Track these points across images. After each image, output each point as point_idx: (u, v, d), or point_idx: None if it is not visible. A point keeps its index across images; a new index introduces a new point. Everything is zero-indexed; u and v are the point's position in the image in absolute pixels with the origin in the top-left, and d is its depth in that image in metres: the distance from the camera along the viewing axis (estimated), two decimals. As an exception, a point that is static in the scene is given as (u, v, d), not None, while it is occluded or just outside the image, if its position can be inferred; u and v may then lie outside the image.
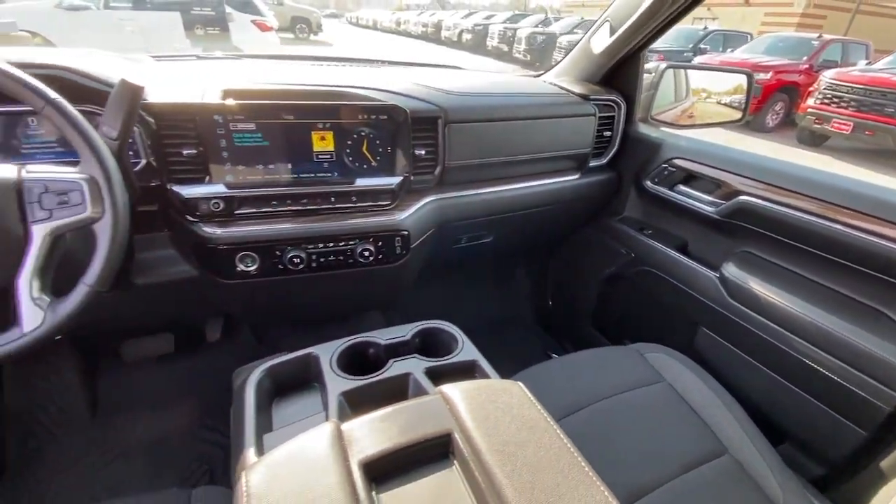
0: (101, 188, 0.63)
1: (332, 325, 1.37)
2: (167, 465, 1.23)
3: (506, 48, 14.64)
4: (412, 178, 1.05)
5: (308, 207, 0.98)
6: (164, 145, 0.87)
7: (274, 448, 0.54)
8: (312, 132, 0.94)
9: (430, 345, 0.84)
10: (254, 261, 0.96)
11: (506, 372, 0.78)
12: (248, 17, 6.97)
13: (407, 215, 1.06)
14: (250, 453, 0.59)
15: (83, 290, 0.63)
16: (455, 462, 0.55)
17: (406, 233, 1.05)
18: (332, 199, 1.00)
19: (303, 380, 0.77)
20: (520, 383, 0.64)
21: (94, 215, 0.63)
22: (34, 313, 0.61)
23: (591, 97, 1.27)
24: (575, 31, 13.17)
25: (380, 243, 1.04)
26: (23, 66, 0.64)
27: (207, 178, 0.91)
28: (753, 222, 1.08)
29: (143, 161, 0.94)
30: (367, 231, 1.02)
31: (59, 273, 0.65)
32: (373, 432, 0.55)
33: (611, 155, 1.38)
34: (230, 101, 0.88)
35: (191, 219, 0.93)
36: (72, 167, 0.64)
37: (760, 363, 1.08)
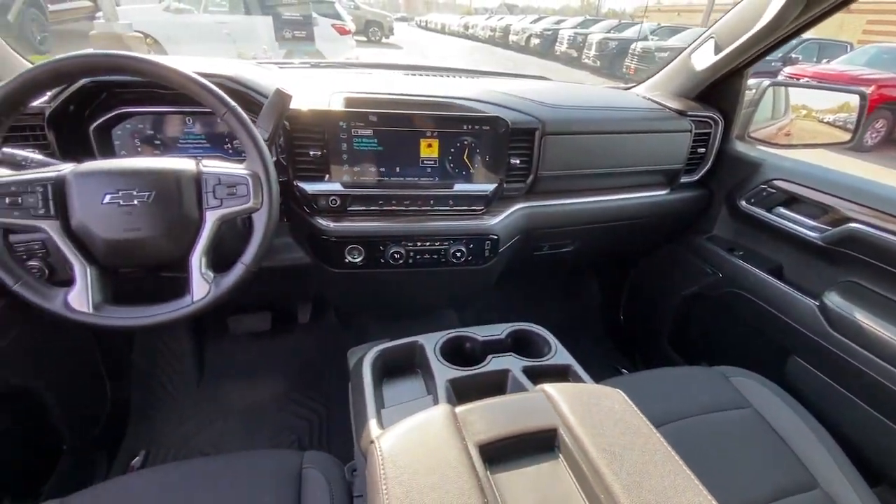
0: (261, 183, 0.74)
1: (409, 318, 1.45)
2: (259, 429, 1.37)
3: (575, 54, 14.33)
4: (505, 185, 1.10)
5: (410, 208, 1.07)
6: (295, 146, 0.98)
7: (390, 422, 0.61)
8: (421, 139, 1.02)
9: (522, 345, 0.89)
10: (360, 253, 1.06)
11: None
12: (329, 21, 7.39)
13: (497, 221, 1.11)
14: (373, 424, 0.67)
15: (241, 268, 0.74)
16: (560, 455, 0.59)
17: (496, 237, 1.11)
18: (431, 201, 1.07)
19: (407, 364, 0.84)
20: (619, 390, 0.67)
21: (255, 206, 0.74)
22: (202, 286, 0.73)
23: (688, 113, 1.26)
24: (650, 37, 12.66)
25: (471, 245, 1.10)
26: (203, 75, 0.76)
27: (327, 176, 1.01)
28: (863, 251, 1.03)
29: (274, 158, 1.07)
30: (460, 233, 1.09)
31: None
32: (484, 419, 0.61)
33: (703, 172, 1.35)
34: (353, 110, 0.98)
35: (308, 211, 1.04)
36: (237, 164, 0.76)
37: (860, 398, 1.03)
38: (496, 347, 0.86)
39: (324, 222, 1.04)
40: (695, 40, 1.31)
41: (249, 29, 6.62)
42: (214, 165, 0.75)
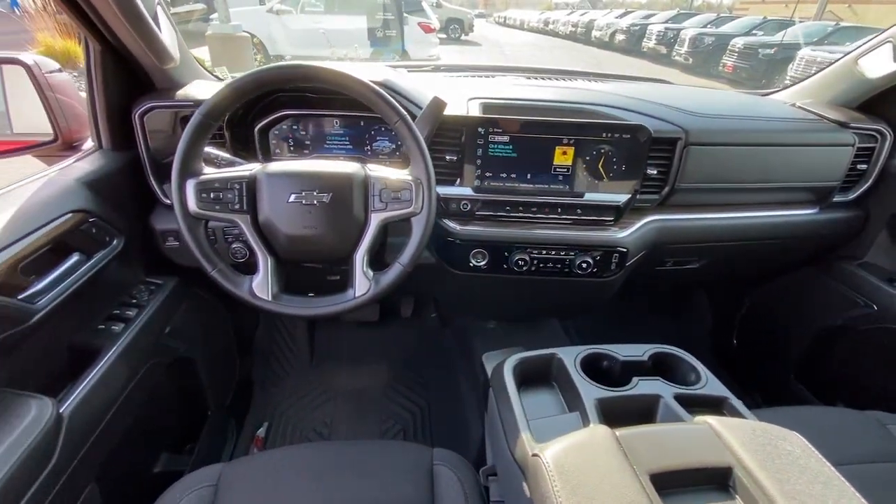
0: (423, 189, 0.77)
1: (510, 321, 1.45)
2: (366, 413, 1.44)
3: (664, 50, 13.44)
4: (637, 196, 1.05)
5: (537, 216, 1.06)
6: (434, 150, 1.01)
7: (541, 436, 0.61)
8: (556, 147, 1.01)
9: (663, 369, 0.85)
10: (484, 257, 1.07)
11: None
12: (416, 19, 7.56)
13: (627, 233, 1.07)
14: (528, 436, 0.68)
15: (398, 269, 0.78)
16: (738, 497, 0.56)
17: (624, 250, 1.07)
18: (559, 209, 1.06)
19: (542, 376, 0.84)
20: (797, 434, 0.62)
21: (416, 210, 0.77)
22: (363, 282, 0.77)
23: (851, 125, 1.12)
24: (754, 32, 11.55)
25: (598, 257, 1.07)
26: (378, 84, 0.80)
27: (458, 180, 1.03)
28: None
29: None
30: (588, 244, 1.06)
31: None
32: (651, 447, 0.58)
33: (861, 191, 1.21)
34: (494, 116, 0.99)
35: (438, 213, 1.06)
36: (398, 169, 0.79)
37: None
38: (638, 369, 0.82)
39: (452, 225, 1.06)
40: (863, 44, 1.17)
41: (343, 28, 6.96)
42: (379, 170, 0.79)
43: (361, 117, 1.08)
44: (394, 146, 1.12)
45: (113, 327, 0.86)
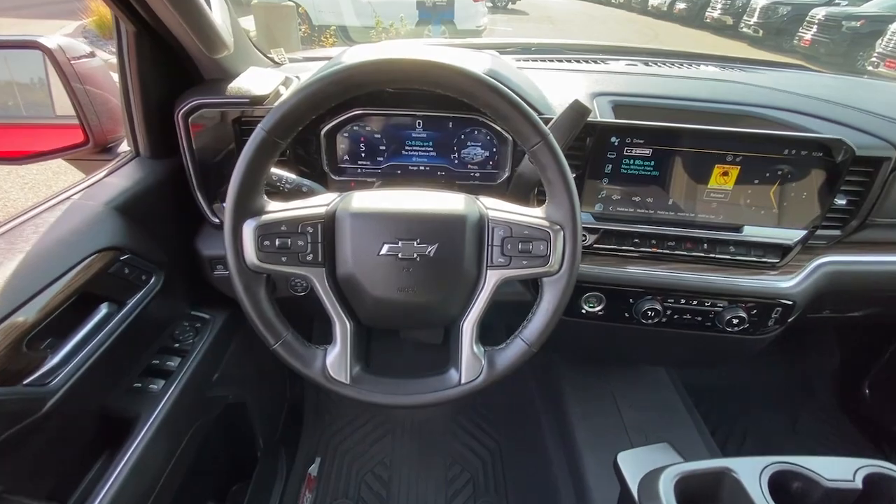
0: (566, 240, 0.54)
1: (602, 365, 1.22)
2: (431, 453, 1.27)
3: (730, 21, 12.28)
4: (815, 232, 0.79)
5: (675, 252, 0.81)
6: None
7: None
8: (716, 165, 0.75)
9: (881, 499, 0.61)
10: (600, 302, 0.84)
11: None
12: (463, -14, 7.07)
13: (795, 281, 0.81)
14: None
15: (521, 347, 0.56)
16: None
17: (790, 303, 0.81)
18: (706, 245, 0.81)
19: (708, 498, 0.61)
20: None
21: (551, 269, 0.54)
22: (474, 363, 0.57)
23: None
24: (836, 2, 10.32)
25: (754, 311, 0.82)
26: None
27: (575, 204, 0.80)
28: None
29: (507, 174, 0.88)
30: (742, 293, 0.81)
31: None
32: None
33: None
34: (634, 122, 0.74)
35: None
36: (534, 210, 0.56)
37: None
38: (845, 499, 0.59)
39: None
40: None
41: (391, -2, 6.60)
42: (500, 208, 0.57)
43: (449, 118, 0.85)
44: (487, 154, 0.89)
45: (151, 386, 0.69)
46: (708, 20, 13.20)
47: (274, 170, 0.66)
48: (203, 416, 0.78)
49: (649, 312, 0.82)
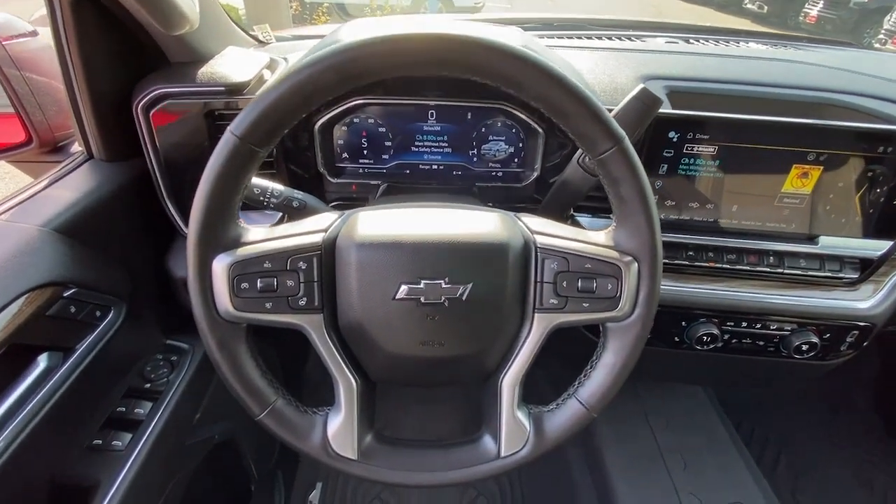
0: (642, 278, 0.41)
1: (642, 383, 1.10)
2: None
3: (734, -4, 11.99)
4: (902, 244, 0.67)
5: (736, 267, 0.69)
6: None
7: None
8: (795, 165, 0.62)
9: None
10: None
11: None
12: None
13: (876, 300, 0.69)
14: None
15: (578, 410, 0.44)
16: None
17: (869, 326, 0.69)
18: (772, 258, 0.69)
19: None
20: None
21: (621, 315, 0.42)
22: (516, 430, 0.44)
23: None
24: (845, -26, 10.04)
25: (826, 335, 0.70)
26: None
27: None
28: None
29: (536, 174, 0.74)
30: (813, 315, 0.69)
31: None
32: None
33: None
34: (698, 113, 0.60)
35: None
36: (596, 236, 0.43)
37: None
38: None
39: None
40: None
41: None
42: (553, 233, 0.43)
43: (468, 107, 0.71)
44: (512, 150, 0.76)
45: (115, 443, 0.57)
46: (710, -5, 12.86)
47: (258, 180, 0.52)
48: (183, 467, 0.66)
49: (705, 338, 0.70)
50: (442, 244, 0.40)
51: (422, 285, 0.40)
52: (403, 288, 0.40)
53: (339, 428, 0.44)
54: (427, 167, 0.76)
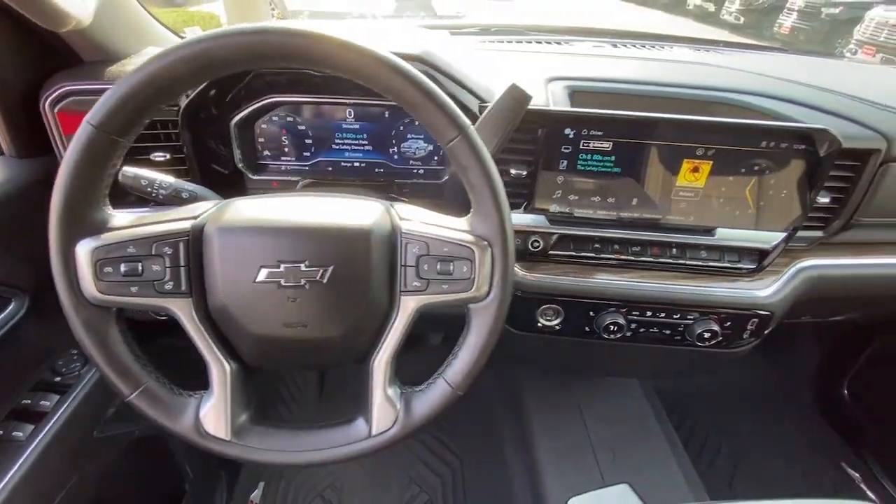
0: (495, 260, 0.44)
1: (577, 378, 1.13)
2: (385, 473, 1.17)
3: (712, 8, 12.31)
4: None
5: (640, 259, 0.72)
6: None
7: None
8: (685, 159, 0.66)
9: None
10: (558, 315, 0.75)
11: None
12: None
13: (773, 290, 0.73)
14: None
15: (444, 390, 0.46)
16: None
17: (767, 314, 0.72)
18: (674, 250, 0.72)
19: None
20: None
21: (478, 295, 0.44)
22: (386, 411, 0.46)
23: None
24: (817, -13, 10.36)
25: (727, 323, 0.73)
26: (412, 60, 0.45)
27: (526, 204, 0.70)
28: None
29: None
30: (715, 304, 0.72)
31: None
32: None
33: None
34: (592, 111, 0.63)
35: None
36: (457, 221, 0.46)
37: None
38: None
39: (515, 269, 0.73)
40: None
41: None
42: (419, 219, 0.46)
43: (384, 106, 0.74)
44: (430, 148, 0.78)
45: (15, 433, 0.57)
46: (690, 6, 13.20)
47: (146, 172, 0.54)
48: (92, 461, 0.67)
49: (611, 327, 0.73)
50: (300, 228, 0.42)
51: (281, 268, 0.42)
52: (263, 271, 0.42)
53: (211, 410, 0.45)
54: (349, 164, 0.79)
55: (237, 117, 0.70)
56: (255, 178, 0.76)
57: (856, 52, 7.73)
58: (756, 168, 0.66)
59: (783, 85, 0.74)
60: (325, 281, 0.42)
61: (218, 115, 0.70)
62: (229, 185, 0.75)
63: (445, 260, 0.43)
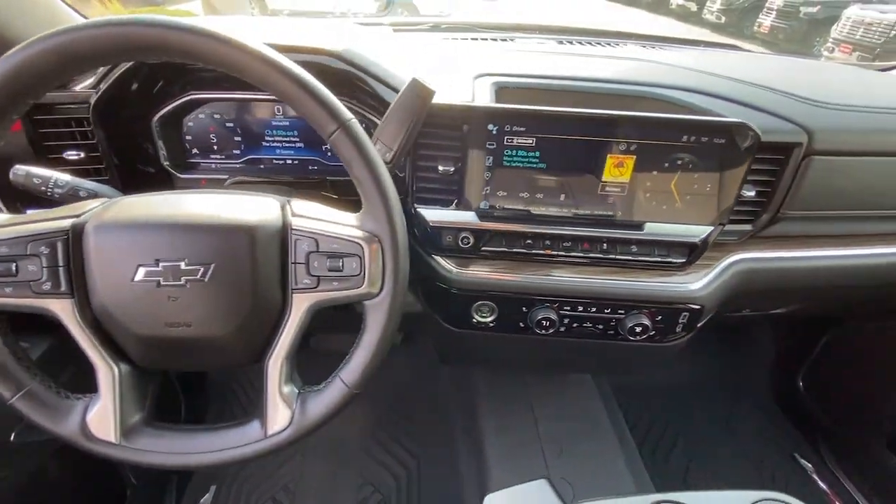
0: (385, 256, 0.43)
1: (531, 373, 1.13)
2: (342, 474, 1.16)
3: (694, 7, 12.46)
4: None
5: (571, 255, 0.72)
6: (419, 157, 0.66)
7: None
8: (609, 154, 0.66)
9: None
10: (491, 311, 0.75)
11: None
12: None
13: (703, 283, 0.73)
14: None
15: (340, 389, 0.46)
16: None
17: (698, 308, 0.73)
18: (605, 246, 0.72)
19: None
20: None
21: (371, 292, 0.44)
22: (280, 411, 0.46)
23: None
24: (796, -13, 10.54)
25: (658, 318, 0.74)
26: (286, 50, 0.44)
27: (456, 202, 0.69)
28: None
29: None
30: (645, 298, 0.73)
31: None
32: None
33: None
34: (513, 106, 0.63)
35: (427, 249, 0.73)
36: (347, 216, 0.45)
37: None
38: None
39: (446, 266, 0.73)
40: None
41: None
42: (311, 215, 0.45)
43: (316, 102, 0.73)
44: (365, 145, 0.77)
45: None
46: (673, 6, 13.34)
47: (39, 170, 0.53)
48: (9, 467, 0.65)
49: (544, 322, 0.73)
50: (178, 225, 0.42)
51: (160, 267, 0.41)
52: (141, 270, 0.41)
53: (99, 413, 0.44)
54: (281, 162, 0.78)
55: (158, 114, 0.69)
56: (184, 176, 0.75)
57: (833, 51, 7.88)
58: (679, 162, 0.66)
59: (710, 80, 0.74)
60: (206, 279, 0.41)
61: (141, 111, 0.69)
62: (158, 184, 0.73)
63: (335, 256, 0.43)
